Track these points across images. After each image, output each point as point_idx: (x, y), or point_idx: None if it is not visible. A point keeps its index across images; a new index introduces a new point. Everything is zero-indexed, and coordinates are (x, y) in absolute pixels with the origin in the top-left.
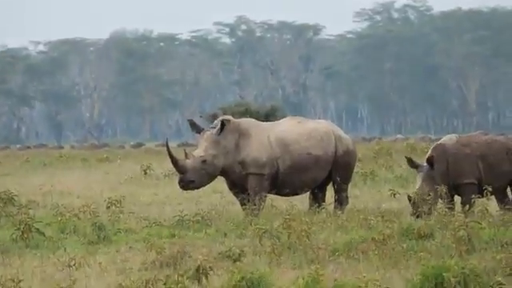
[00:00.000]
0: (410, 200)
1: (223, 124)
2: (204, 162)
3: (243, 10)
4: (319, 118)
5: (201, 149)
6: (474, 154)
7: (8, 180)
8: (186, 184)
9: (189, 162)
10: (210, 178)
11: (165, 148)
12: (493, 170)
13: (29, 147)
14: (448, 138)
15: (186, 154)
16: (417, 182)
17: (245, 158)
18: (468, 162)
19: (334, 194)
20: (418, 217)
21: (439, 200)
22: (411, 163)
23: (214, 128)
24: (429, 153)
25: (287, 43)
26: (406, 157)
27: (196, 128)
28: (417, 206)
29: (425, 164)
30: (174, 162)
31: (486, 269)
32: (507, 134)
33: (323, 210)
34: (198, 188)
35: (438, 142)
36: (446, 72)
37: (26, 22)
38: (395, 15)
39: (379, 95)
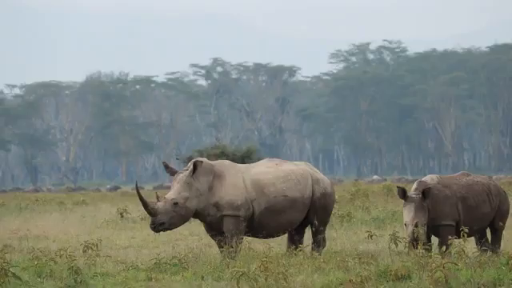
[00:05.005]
0: (416, 227)
1: (195, 165)
2: (175, 204)
3: (218, 52)
4: (295, 160)
5: (173, 191)
6: (455, 196)
7: None
8: (157, 226)
9: (160, 205)
10: (182, 220)
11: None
12: (473, 212)
13: (4, 190)
14: (429, 178)
15: (157, 197)
16: (407, 213)
17: (219, 200)
18: (448, 204)
19: (311, 236)
20: (413, 244)
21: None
22: (402, 193)
23: (187, 170)
24: (415, 186)
25: (263, 85)
26: (398, 187)
27: (170, 170)
28: (418, 233)
29: (414, 195)
30: (145, 204)
31: None
32: (484, 174)
33: (300, 252)
34: (169, 229)
35: (422, 179)
36: (421, 113)
37: (0, 65)
38: (370, 56)
39: (355, 136)
